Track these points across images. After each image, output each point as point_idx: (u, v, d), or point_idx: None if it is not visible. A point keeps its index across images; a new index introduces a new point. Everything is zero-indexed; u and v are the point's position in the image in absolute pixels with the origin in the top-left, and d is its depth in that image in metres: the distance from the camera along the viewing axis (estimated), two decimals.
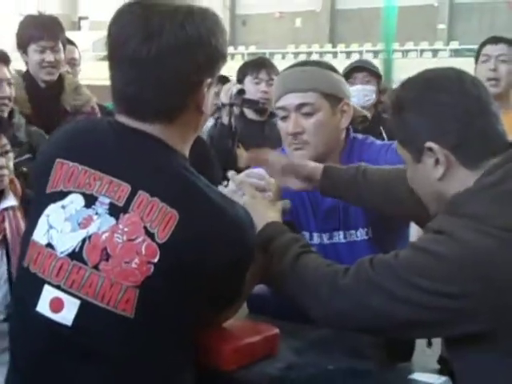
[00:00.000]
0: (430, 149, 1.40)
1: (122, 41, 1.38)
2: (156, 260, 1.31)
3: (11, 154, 2.44)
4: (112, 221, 1.35)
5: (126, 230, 1.33)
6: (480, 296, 1.29)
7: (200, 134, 3.66)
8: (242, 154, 3.49)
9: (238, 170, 3.36)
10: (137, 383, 1.36)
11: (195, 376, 1.48)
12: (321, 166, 1.91)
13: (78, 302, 1.34)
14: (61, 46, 3.18)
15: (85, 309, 1.33)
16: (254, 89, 3.61)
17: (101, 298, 1.32)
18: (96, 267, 1.33)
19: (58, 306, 1.35)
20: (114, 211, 1.35)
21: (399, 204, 1.80)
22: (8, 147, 2.42)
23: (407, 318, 1.35)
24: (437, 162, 1.40)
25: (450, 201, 1.39)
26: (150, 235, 1.32)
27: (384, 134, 3.53)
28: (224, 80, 3.85)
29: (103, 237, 1.34)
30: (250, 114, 3.69)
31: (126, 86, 1.39)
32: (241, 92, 3.49)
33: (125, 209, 1.34)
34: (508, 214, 1.32)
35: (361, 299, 1.39)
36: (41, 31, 3.11)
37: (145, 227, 1.33)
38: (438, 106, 1.40)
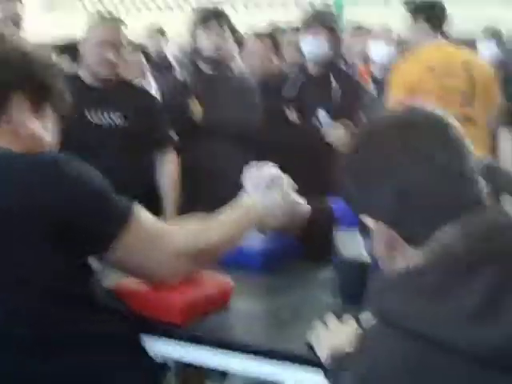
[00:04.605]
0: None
1: None
2: None
3: None
4: None
5: None
6: None
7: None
8: (198, 109, 3.46)
9: (194, 125, 3.33)
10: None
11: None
12: None
13: None
14: None
15: None
16: (205, 41, 3.54)
17: None
18: None
19: None
20: None
21: None
22: None
23: None
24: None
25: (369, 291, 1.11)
26: None
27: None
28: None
29: None
30: (204, 67, 3.63)
31: None
32: (194, 48, 3.44)
33: None
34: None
35: None
36: None
37: None
38: (369, 174, 1.12)
